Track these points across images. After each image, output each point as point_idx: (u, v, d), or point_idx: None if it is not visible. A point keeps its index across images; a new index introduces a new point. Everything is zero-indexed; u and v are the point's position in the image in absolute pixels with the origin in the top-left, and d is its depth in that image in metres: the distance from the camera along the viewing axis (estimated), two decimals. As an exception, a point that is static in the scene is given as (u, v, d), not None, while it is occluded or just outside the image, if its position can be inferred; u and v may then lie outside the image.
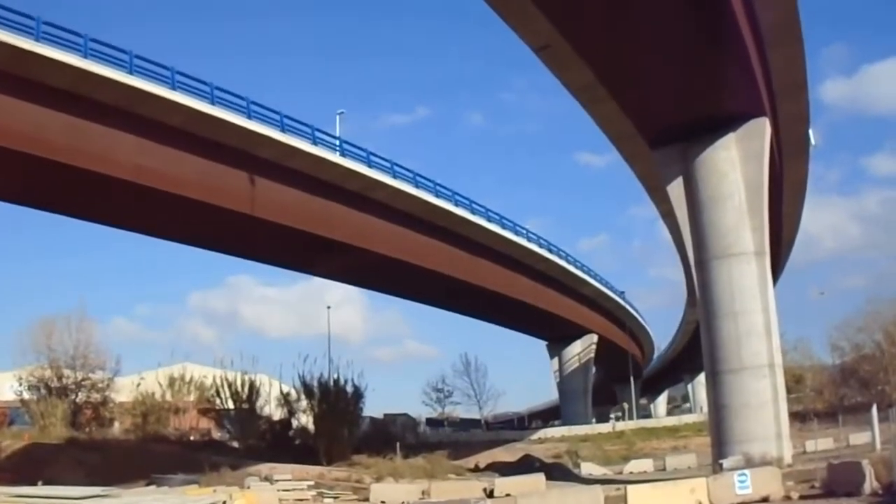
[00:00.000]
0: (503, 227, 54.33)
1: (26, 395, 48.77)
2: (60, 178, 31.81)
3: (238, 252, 45.50)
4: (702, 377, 63.53)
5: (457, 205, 48.57)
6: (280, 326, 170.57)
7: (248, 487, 28.80)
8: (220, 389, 46.76)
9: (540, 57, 31.06)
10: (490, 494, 29.98)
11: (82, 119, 31.19)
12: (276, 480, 31.12)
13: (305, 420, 48.25)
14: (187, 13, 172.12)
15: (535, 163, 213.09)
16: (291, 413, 48.57)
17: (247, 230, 38.69)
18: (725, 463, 29.52)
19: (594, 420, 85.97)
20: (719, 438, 32.89)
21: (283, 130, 37.16)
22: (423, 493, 30.41)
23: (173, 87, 33.18)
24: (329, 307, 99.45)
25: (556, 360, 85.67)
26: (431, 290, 54.52)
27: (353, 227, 41.85)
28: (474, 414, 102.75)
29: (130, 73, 31.74)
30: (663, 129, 34.85)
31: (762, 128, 33.70)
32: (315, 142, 38.86)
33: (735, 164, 33.79)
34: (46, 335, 51.30)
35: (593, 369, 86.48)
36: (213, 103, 34.57)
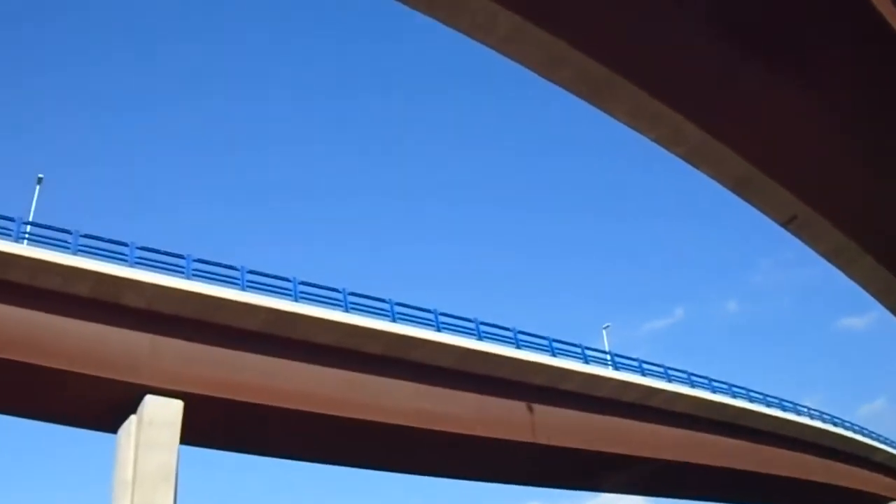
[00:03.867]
0: (783, 409, 47.65)
1: None
2: (335, 432, 30.33)
3: (521, 480, 41.87)
4: None
5: (734, 396, 43.01)
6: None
7: None
8: None
9: (788, 230, 26.55)
10: None
11: (356, 372, 29.87)
12: None
13: None
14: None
15: (795, 338, 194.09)
16: None
17: (529, 457, 35.23)
18: None
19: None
20: None
21: (553, 354, 34.18)
22: None
23: (438, 329, 31.38)
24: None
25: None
26: (717, 486, 48.23)
27: (633, 438, 37.33)
28: None
29: (393, 320, 30.35)
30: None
31: None
32: (586, 360, 35.39)
33: None
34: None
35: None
36: (480, 338, 32.36)
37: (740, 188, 24.63)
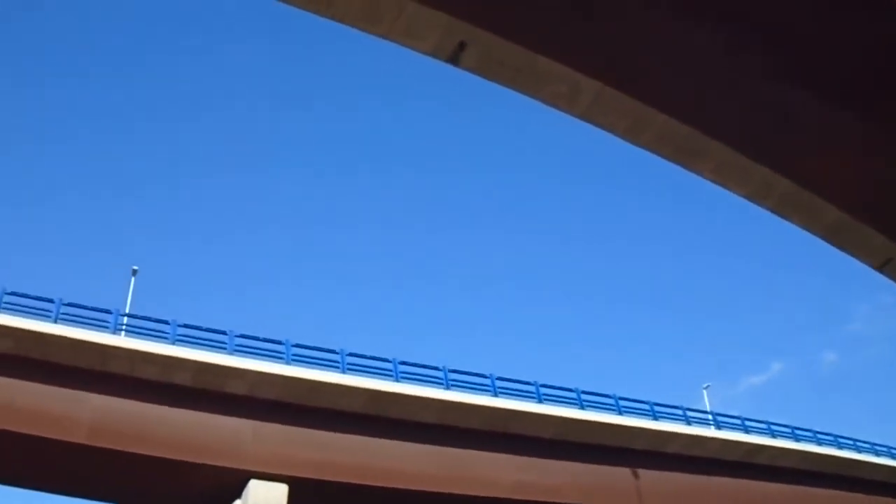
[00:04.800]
0: (893, 457, 45.12)
1: None
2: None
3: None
4: None
5: (840, 447, 40.71)
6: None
7: None
8: None
9: (884, 273, 24.68)
10: None
11: (456, 448, 29.01)
12: None
13: None
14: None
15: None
16: None
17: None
18: None
19: None
20: None
21: (655, 418, 32.70)
22: None
23: (539, 401, 30.33)
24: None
25: None
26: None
27: (740, 497, 35.34)
28: None
29: (495, 395, 29.46)
30: None
31: None
32: (688, 422, 33.80)
33: None
34: None
35: None
36: (582, 408, 31.15)
37: (832, 235, 23.04)
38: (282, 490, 26.31)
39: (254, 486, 26.13)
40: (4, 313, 24.99)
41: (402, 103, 76.05)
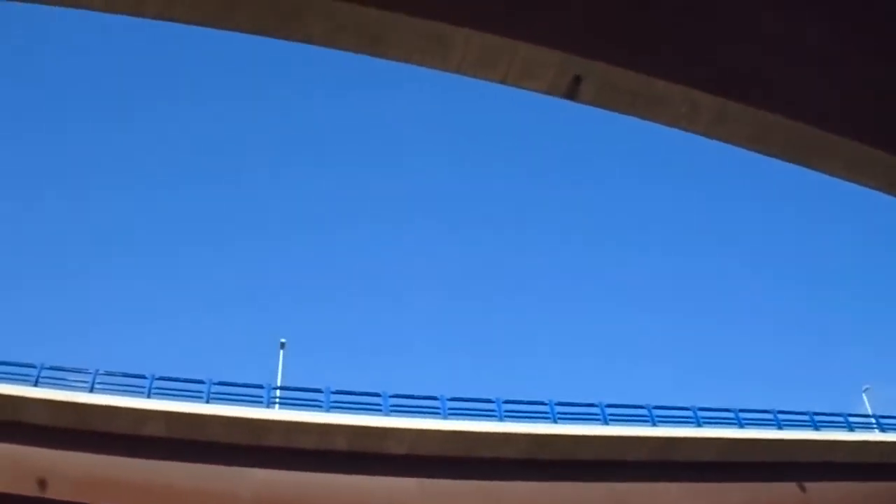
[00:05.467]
0: None
1: None
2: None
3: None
4: None
5: None
6: None
7: None
8: None
9: None
10: None
11: (618, 482, 27.78)
12: None
13: None
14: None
15: None
16: None
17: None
18: None
19: None
20: None
21: (816, 428, 30.97)
22: None
23: (699, 425, 28.87)
24: None
25: None
26: None
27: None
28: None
29: (654, 424, 28.16)
30: None
31: None
32: (851, 428, 31.96)
33: None
34: None
35: None
36: (741, 426, 29.58)
37: None
38: (453, 545, 25.38)
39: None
40: (156, 398, 24.30)
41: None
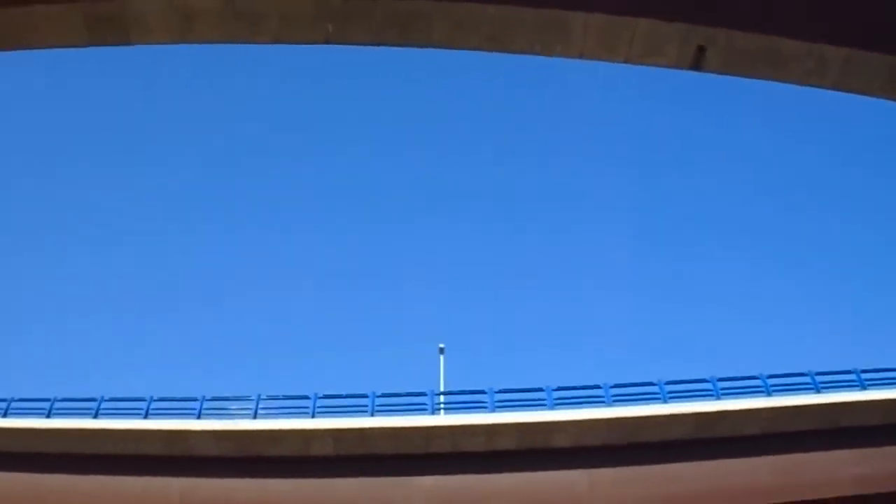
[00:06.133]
0: None
1: None
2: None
3: None
4: None
5: None
6: None
7: None
8: None
9: None
10: None
11: (783, 454, 26.86)
12: None
13: None
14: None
15: None
16: None
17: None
18: None
19: None
20: None
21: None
22: None
23: (863, 388, 27.85)
24: None
25: None
26: None
27: None
28: None
29: (817, 391, 27.18)
30: None
31: None
32: None
33: None
34: None
35: None
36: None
37: None
38: (622, 534, 24.84)
39: (597, 535, 24.73)
40: (321, 417, 24.22)
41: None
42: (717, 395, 25.48)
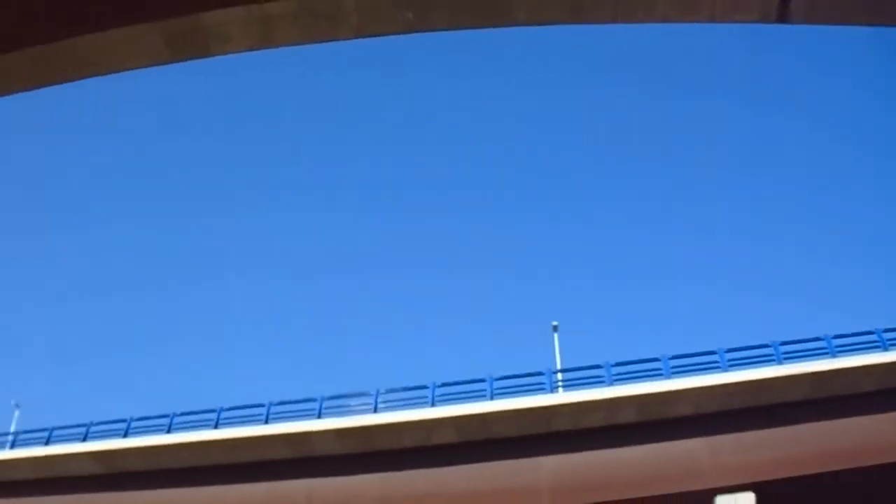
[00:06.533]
0: None
1: None
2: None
3: None
4: None
5: None
6: None
7: None
8: None
9: None
10: None
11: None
12: None
13: None
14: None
15: None
16: None
17: None
18: None
19: None
20: None
21: None
22: None
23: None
24: None
25: None
26: None
27: None
28: None
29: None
30: None
31: None
32: None
33: None
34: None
35: None
36: None
37: None
38: (749, 499, 24.63)
39: (721, 501, 24.55)
40: (440, 405, 24.40)
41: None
42: (833, 353, 25.27)
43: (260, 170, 65.15)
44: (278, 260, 68.19)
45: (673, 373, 24.08)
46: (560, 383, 24.20)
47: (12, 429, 30.28)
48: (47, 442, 27.90)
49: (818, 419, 25.45)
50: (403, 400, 24.54)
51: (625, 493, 24.23)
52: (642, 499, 24.47)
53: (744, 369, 24.61)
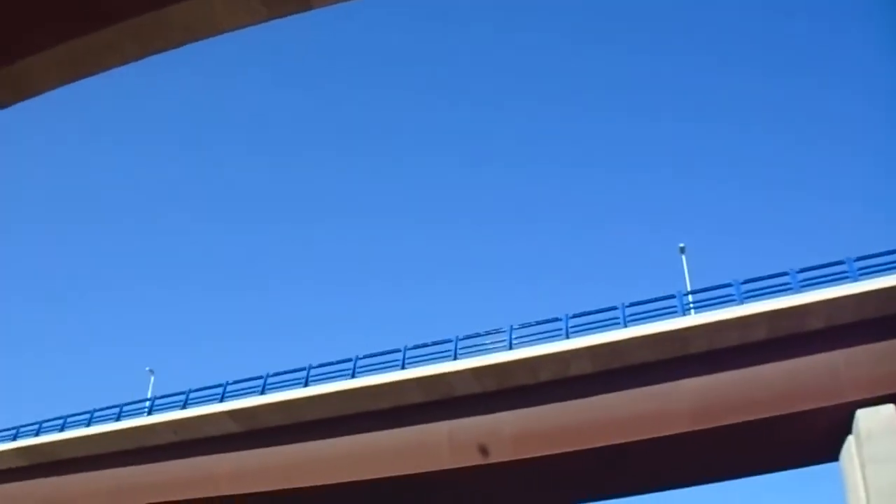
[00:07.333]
0: None
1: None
2: None
3: None
4: None
5: None
6: None
7: None
8: None
9: None
10: None
11: None
12: None
13: None
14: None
15: None
16: None
17: None
18: None
19: None
20: None
21: None
22: None
23: None
24: None
25: None
26: None
27: None
28: None
29: None
30: None
31: None
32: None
33: None
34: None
35: None
36: None
37: None
38: (890, 410, 24.48)
39: (861, 415, 24.33)
40: (575, 336, 24.65)
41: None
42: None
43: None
44: (413, 205, 71.88)
45: (802, 286, 23.95)
46: (691, 305, 24.21)
47: (148, 394, 31.15)
48: (184, 406, 28.64)
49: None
50: (538, 334, 24.78)
51: (767, 411, 24.15)
52: (784, 416, 24.49)
53: (875, 277, 24.39)
